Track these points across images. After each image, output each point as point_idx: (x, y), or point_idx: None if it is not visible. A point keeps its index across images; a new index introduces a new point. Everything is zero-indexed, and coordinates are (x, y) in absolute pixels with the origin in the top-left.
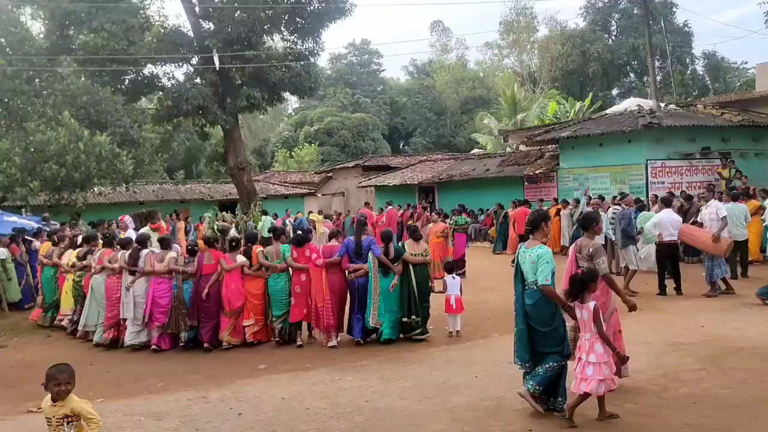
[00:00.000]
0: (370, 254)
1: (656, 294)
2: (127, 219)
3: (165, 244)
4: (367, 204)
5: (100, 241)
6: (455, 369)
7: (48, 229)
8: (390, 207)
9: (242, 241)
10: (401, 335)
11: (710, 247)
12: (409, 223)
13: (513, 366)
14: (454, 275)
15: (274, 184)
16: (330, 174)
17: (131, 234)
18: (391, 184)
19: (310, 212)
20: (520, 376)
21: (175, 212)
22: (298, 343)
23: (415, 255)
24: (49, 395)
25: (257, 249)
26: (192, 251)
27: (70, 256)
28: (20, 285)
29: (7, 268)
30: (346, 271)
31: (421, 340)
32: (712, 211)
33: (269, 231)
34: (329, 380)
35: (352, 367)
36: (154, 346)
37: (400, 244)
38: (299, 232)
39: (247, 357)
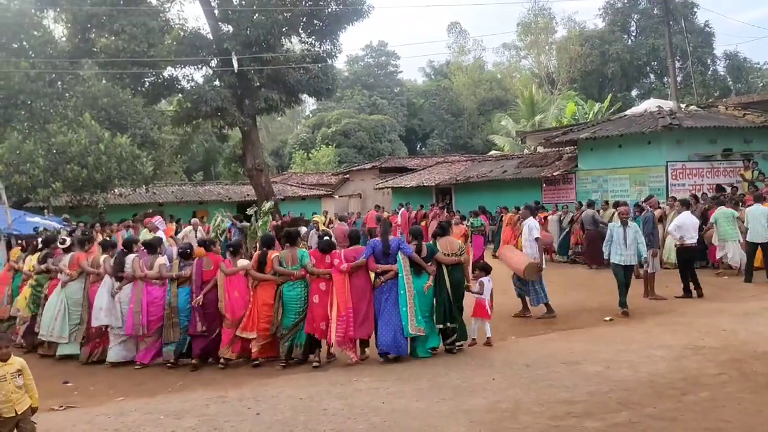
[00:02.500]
0: (400, 254)
1: (679, 297)
2: (157, 220)
3: (152, 248)
4: (377, 207)
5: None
6: (472, 371)
7: (68, 229)
8: (403, 209)
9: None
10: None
11: (519, 270)
12: (422, 223)
13: (530, 369)
14: (489, 278)
15: (292, 185)
16: (347, 175)
17: (161, 234)
18: (408, 186)
19: (314, 213)
20: (538, 379)
21: (170, 216)
22: (314, 363)
23: (448, 255)
24: None
25: (273, 254)
26: (185, 254)
27: (29, 261)
28: None
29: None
30: (373, 275)
31: (460, 348)
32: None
33: (284, 236)
34: (346, 381)
35: (368, 367)
36: (137, 365)
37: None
38: (326, 237)
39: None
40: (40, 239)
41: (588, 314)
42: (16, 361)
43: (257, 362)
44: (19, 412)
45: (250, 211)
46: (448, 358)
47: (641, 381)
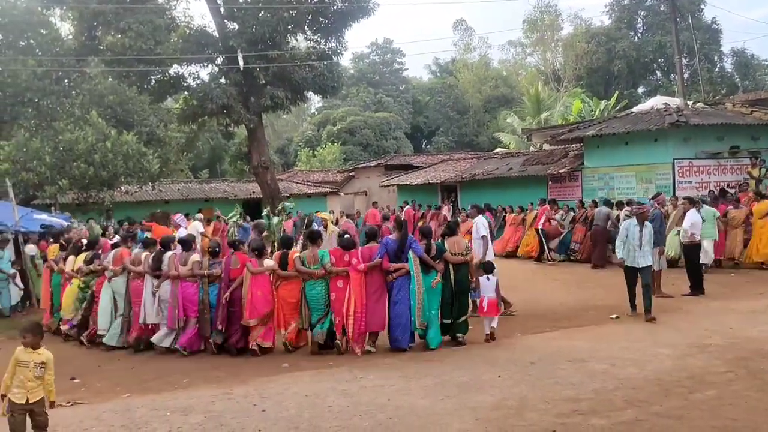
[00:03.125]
0: (410, 253)
1: (686, 294)
2: (179, 218)
3: (186, 245)
4: (374, 204)
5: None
6: (478, 368)
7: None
8: (407, 207)
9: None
10: (442, 337)
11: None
12: (420, 223)
13: (536, 366)
14: (488, 277)
15: (297, 183)
16: (352, 173)
17: (182, 232)
18: (413, 184)
19: (317, 212)
20: (543, 376)
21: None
22: (342, 348)
23: (455, 254)
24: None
25: (294, 254)
26: (214, 252)
27: (73, 262)
28: None
29: (37, 264)
30: (386, 272)
31: (462, 341)
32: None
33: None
34: (351, 378)
35: (373, 365)
36: (183, 350)
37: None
38: (346, 236)
39: (270, 355)
40: (84, 240)
41: (594, 312)
42: (44, 354)
43: (292, 349)
44: (30, 401)
45: (265, 211)
46: (454, 356)
47: (647, 379)
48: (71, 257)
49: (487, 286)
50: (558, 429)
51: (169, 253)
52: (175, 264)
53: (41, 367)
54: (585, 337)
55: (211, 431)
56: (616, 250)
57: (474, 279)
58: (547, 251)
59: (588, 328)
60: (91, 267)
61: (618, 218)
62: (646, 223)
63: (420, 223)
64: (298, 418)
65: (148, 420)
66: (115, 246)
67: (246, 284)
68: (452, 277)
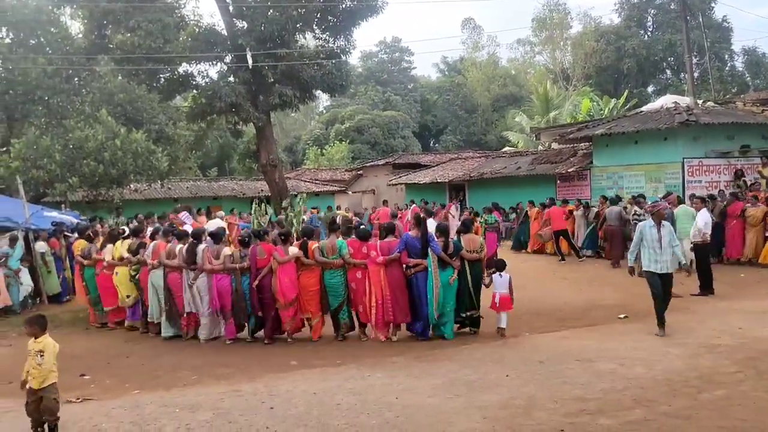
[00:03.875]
0: (429, 250)
1: (695, 294)
2: (184, 215)
3: (217, 238)
4: (385, 202)
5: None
6: (486, 367)
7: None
8: (414, 205)
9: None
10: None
11: None
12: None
13: (544, 365)
14: (501, 273)
15: (306, 181)
16: (360, 171)
17: (188, 229)
18: (421, 182)
19: (315, 208)
20: (551, 376)
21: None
22: (363, 338)
23: (470, 251)
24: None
25: (313, 244)
26: (244, 242)
27: (113, 251)
28: (59, 278)
29: (47, 261)
30: (404, 266)
31: (475, 331)
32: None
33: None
34: (359, 376)
35: (381, 363)
36: (228, 341)
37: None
38: (363, 227)
39: (278, 352)
40: (126, 228)
41: (602, 311)
42: (42, 342)
43: (316, 341)
44: (35, 388)
45: (285, 204)
46: (462, 355)
47: (656, 379)
48: (109, 245)
49: (499, 282)
50: (566, 428)
51: (202, 246)
52: (209, 257)
53: (40, 355)
54: (593, 337)
55: (219, 428)
56: (629, 257)
57: (486, 275)
58: (573, 249)
59: (596, 328)
60: (138, 258)
61: (635, 213)
62: (664, 222)
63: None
64: (306, 415)
65: (157, 416)
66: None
67: (275, 272)
68: (468, 272)
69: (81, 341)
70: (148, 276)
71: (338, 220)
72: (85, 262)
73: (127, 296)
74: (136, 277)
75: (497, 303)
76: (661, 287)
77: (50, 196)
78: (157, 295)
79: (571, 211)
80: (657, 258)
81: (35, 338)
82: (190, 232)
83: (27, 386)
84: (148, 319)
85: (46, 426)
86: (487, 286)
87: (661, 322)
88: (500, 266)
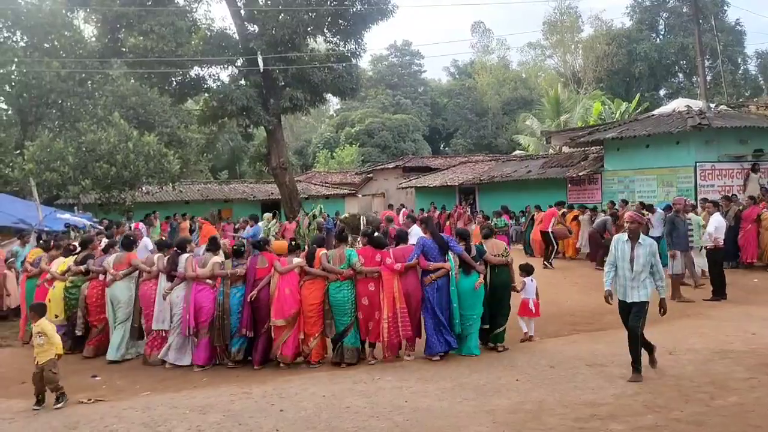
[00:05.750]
0: (450, 253)
1: (708, 300)
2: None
3: (214, 245)
4: (390, 206)
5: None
6: (496, 371)
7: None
8: (404, 209)
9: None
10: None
11: None
12: (447, 223)
13: (555, 370)
14: (531, 278)
15: (316, 184)
16: (370, 175)
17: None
18: (431, 186)
19: (337, 212)
20: (562, 380)
21: (180, 214)
22: (371, 361)
23: (495, 255)
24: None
25: (321, 252)
26: (238, 252)
27: (60, 264)
28: None
29: None
30: (422, 273)
31: (501, 349)
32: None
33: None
34: (369, 379)
35: (391, 367)
36: (197, 368)
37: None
38: (376, 234)
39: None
40: (76, 241)
41: (614, 316)
42: (40, 325)
43: (315, 365)
44: (40, 363)
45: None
46: (472, 359)
47: (667, 384)
48: (60, 259)
49: (531, 287)
50: None
51: (185, 256)
52: (194, 266)
53: (40, 336)
54: (604, 341)
55: (229, 430)
56: (604, 279)
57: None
58: (553, 254)
59: (607, 333)
60: (80, 268)
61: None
62: (644, 239)
63: (447, 223)
64: (315, 418)
65: (168, 418)
66: (104, 251)
67: (274, 283)
68: (492, 280)
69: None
70: (106, 290)
71: (363, 220)
72: (29, 270)
73: (56, 316)
74: (73, 290)
75: (531, 309)
76: (628, 318)
77: (63, 198)
78: (113, 312)
79: (575, 216)
80: (625, 283)
81: (34, 322)
82: (213, 237)
83: (35, 361)
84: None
85: (53, 397)
86: (519, 292)
87: (635, 365)
88: (529, 271)
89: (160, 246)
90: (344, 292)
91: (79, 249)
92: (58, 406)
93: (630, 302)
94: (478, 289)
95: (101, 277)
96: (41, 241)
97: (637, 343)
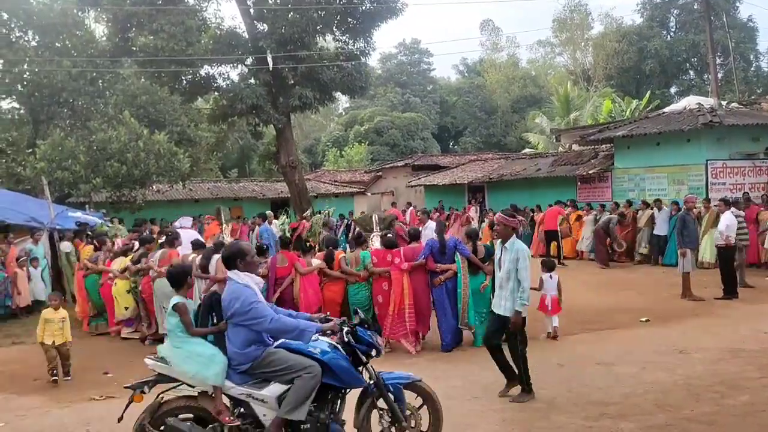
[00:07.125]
0: (457, 255)
1: (719, 298)
2: (184, 220)
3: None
4: (393, 204)
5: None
6: None
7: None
8: (410, 208)
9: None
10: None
11: None
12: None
13: (564, 369)
14: (551, 275)
15: (325, 182)
16: (380, 173)
17: (185, 234)
18: (440, 184)
19: (350, 212)
20: (570, 378)
21: (210, 215)
22: (386, 348)
23: None
24: (51, 308)
25: (339, 255)
26: (261, 250)
27: (121, 262)
28: None
29: (71, 261)
30: (431, 273)
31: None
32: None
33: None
34: None
35: (401, 364)
36: None
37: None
38: (389, 235)
39: None
40: (135, 242)
41: (624, 314)
42: (62, 312)
43: None
44: (57, 343)
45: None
46: (481, 357)
47: (678, 383)
48: (120, 258)
49: (550, 284)
50: None
51: (216, 256)
52: (222, 267)
53: (62, 321)
54: (614, 340)
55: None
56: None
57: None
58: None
59: (617, 331)
60: (138, 266)
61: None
62: (509, 244)
63: (446, 224)
64: None
65: None
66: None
67: (297, 284)
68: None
69: (102, 340)
70: (153, 285)
71: (375, 219)
72: (90, 267)
73: (126, 308)
74: (137, 288)
75: (548, 306)
76: (492, 332)
77: (74, 197)
78: (161, 305)
79: (578, 216)
80: (497, 291)
81: (56, 309)
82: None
83: (46, 343)
84: (160, 332)
85: (60, 371)
86: (539, 289)
87: (526, 384)
88: (551, 266)
89: (195, 245)
90: (362, 293)
91: (137, 246)
92: (68, 378)
93: (497, 313)
94: (484, 291)
95: (150, 273)
96: (92, 240)
97: (515, 360)
